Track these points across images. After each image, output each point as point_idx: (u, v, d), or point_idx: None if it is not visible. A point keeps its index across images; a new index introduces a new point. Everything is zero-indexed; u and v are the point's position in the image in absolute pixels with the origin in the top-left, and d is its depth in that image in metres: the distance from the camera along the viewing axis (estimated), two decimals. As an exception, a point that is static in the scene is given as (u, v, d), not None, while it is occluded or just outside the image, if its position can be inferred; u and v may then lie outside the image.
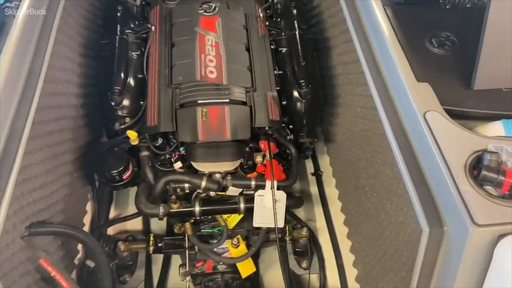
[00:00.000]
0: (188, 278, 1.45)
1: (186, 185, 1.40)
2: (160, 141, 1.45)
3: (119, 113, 1.43)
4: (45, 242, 1.13)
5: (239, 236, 1.48)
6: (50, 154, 1.16)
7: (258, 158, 1.43)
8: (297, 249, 1.60)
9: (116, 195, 1.70)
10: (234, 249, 1.46)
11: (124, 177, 1.39)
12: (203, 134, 1.33)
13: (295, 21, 1.61)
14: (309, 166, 1.86)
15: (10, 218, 0.90)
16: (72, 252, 1.34)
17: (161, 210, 1.35)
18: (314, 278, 1.59)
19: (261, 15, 1.65)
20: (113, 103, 1.42)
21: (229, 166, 1.40)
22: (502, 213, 0.75)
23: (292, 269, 1.61)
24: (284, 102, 1.51)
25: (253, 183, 1.40)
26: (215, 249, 1.45)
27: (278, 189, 1.38)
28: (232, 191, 1.43)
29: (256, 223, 1.41)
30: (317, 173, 1.79)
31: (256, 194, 1.40)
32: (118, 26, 1.55)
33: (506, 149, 0.80)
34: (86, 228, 1.49)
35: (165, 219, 1.52)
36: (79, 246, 1.39)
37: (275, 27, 1.65)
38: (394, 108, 0.97)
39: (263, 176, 1.41)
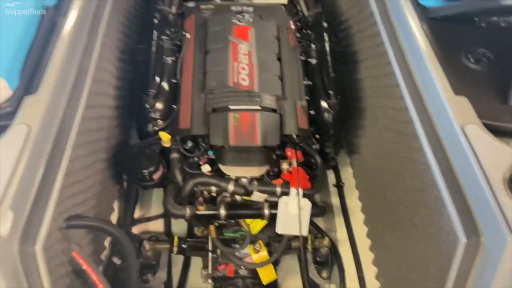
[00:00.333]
0: (209, 280, 1.46)
1: (213, 188, 1.42)
2: (190, 144, 1.48)
3: (153, 115, 1.47)
4: (78, 235, 1.16)
5: (261, 241, 1.49)
6: (89, 150, 1.20)
7: (285, 165, 1.45)
8: (317, 259, 1.60)
9: (140, 197, 1.73)
10: (255, 254, 1.47)
11: (154, 177, 1.42)
12: (234, 138, 1.36)
13: (325, 34, 1.65)
14: (330, 177, 1.88)
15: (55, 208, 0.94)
16: (100, 248, 1.37)
17: (188, 211, 1.38)
18: (334, 289, 1.59)
19: (292, 26, 1.70)
20: (147, 105, 1.46)
21: (257, 171, 1.43)
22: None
23: (312, 278, 1.61)
24: (312, 112, 1.54)
25: (278, 189, 1.42)
26: (237, 253, 1.46)
27: (303, 197, 1.40)
28: (257, 196, 1.45)
29: (279, 229, 1.42)
30: (339, 185, 1.80)
31: (281, 200, 1.41)
32: (155, 32, 1.60)
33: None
34: (113, 226, 1.51)
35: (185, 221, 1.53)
36: (106, 243, 1.42)
37: (305, 39, 1.70)
38: (430, 121, 0.99)
39: (288, 184, 1.43)
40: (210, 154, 1.46)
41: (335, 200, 1.81)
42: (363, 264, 1.56)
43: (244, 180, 1.42)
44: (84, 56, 1.12)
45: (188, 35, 1.63)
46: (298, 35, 1.69)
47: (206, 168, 1.45)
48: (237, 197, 1.43)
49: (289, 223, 1.41)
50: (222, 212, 1.41)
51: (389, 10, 1.23)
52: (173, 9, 1.72)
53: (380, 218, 1.45)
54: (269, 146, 1.42)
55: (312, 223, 1.65)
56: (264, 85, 1.46)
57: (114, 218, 1.55)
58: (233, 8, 1.72)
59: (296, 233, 1.37)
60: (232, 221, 1.50)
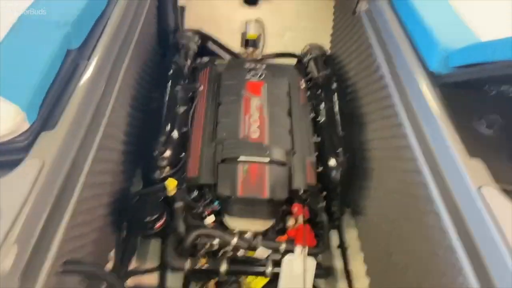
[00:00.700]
0: None
1: (216, 241, 1.37)
2: (195, 193, 1.46)
3: (161, 162, 1.46)
4: (73, 281, 1.09)
5: (262, 302, 1.41)
6: (94, 193, 1.17)
7: (291, 222, 1.42)
8: (319, 325, 1.51)
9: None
10: (255, 316, 1.39)
11: (156, 226, 1.37)
12: (242, 189, 1.34)
13: (335, 94, 1.70)
14: (334, 238, 1.82)
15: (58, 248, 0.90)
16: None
17: (189, 263, 1.32)
18: None
19: (303, 85, 1.75)
20: (157, 152, 1.46)
21: (262, 225, 1.39)
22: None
23: None
24: (319, 169, 1.54)
25: (283, 246, 1.37)
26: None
27: (307, 255, 1.35)
28: (261, 253, 1.40)
29: (282, 290, 1.36)
30: (343, 246, 1.75)
31: (285, 259, 1.36)
32: (170, 82, 1.65)
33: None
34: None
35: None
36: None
37: (315, 97, 1.74)
38: (444, 183, 0.98)
39: (293, 241, 1.39)
40: (216, 205, 1.43)
41: (338, 263, 1.75)
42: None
43: (248, 234, 1.38)
44: (101, 99, 1.14)
45: (201, 87, 1.68)
46: (308, 93, 1.74)
47: (209, 220, 1.42)
48: (239, 252, 1.38)
49: (292, 283, 1.34)
50: (224, 267, 1.35)
51: (401, 76, 1.28)
52: (188, 62, 1.79)
53: (386, 283, 1.39)
54: (276, 200, 1.39)
55: (314, 284, 1.57)
56: (274, 139, 1.48)
57: (109, 267, 1.47)
58: (247, 64, 1.79)
59: (300, 293, 1.31)
60: (233, 277, 1.43)
